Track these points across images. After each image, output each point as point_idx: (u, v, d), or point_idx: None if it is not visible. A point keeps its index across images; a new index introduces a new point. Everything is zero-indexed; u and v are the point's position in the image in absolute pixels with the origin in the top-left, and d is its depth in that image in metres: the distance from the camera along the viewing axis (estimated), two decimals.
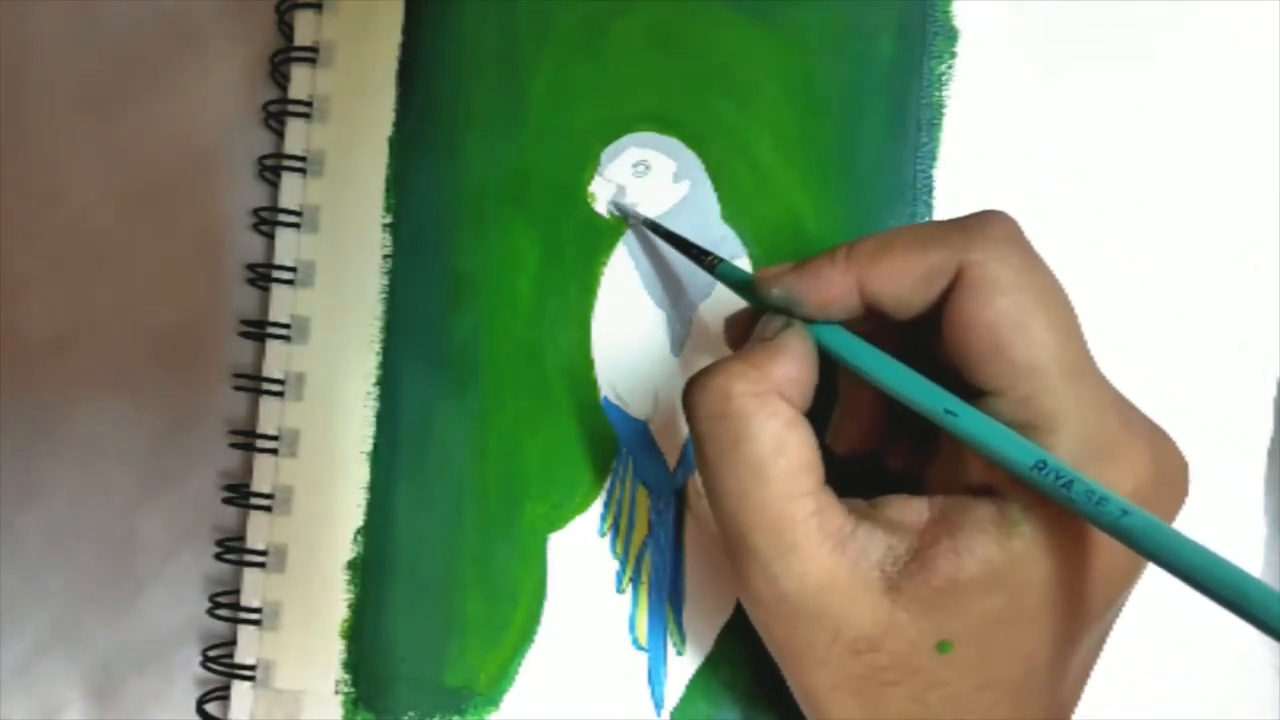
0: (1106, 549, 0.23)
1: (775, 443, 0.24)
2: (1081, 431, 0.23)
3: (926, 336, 0.25)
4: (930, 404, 0.23)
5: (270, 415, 0.33)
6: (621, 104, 0.33)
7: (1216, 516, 0.31)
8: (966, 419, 0.23)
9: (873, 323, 0.25)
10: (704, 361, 0.32)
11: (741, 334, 0.28)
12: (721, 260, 0.28)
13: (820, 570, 0.23)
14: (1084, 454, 0.23)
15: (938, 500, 0.24)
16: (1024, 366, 0.23)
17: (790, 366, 0.25)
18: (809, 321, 0.25)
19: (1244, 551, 0.31)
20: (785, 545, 0.23)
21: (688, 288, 0.33)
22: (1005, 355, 0.23)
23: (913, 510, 0.24)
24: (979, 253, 0.23)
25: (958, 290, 0.24)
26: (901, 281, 0.24)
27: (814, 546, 0.23)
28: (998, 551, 0.23)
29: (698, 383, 0.25)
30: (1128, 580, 0.24)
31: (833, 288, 0.25)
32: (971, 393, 0.24)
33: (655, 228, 0.31)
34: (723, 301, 0.32)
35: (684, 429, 0.32)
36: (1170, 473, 0.24)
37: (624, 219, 0.33)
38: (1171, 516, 0.24)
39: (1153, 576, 0.23)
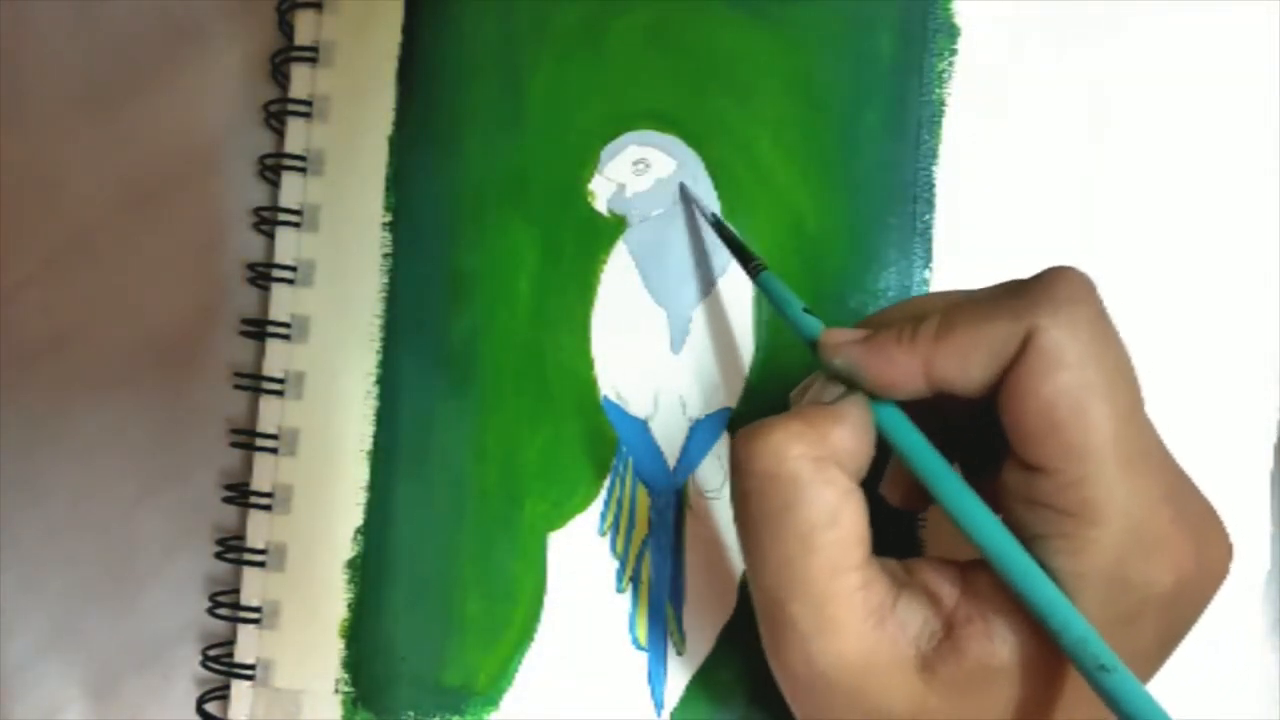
0: (1141, 632, 0.22)
1: (829, 513, 0.22)
2: (1127, 525, 0.22)
3: (993, 398, 0.24)
4: (974, 529, 0.22)
5: (270, 414, 0.33)
6: (621, 102, 0.33)
7: (1220, 516, 0.31)
8: (1010, 560, 0.22)
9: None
10: (703, 360, 0.32)
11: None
12: (764, 269, 0.28)
13: (859, 650, 0.22)
14: (1127, 548, 0.22)
15: (971, 570, 0.23)
16: (1077, 450, 0.21)
17: (849, 436, 0.23)
18: (870, 396, 0.24)
19: (1249, 552, 0.31)
20: (826, 621, 0.22)
21: (688, 286, 0.32)
22: (1059, 436, 0.21)
23: (947, 579, 0.23)
24: (1045, 317, 0.22)
25: (1021, 362, 0.22)
26: (968, 360, 0.22)
27: (856, 624, 0.22)
28: (1029, 638, 0.22)
29: (750, 437, 0.23)
30: (1159, 663, 0.23)
31: (897, 370, 0.23)
32: (1020, 465, 0.22)
33: (719, 223, 0.31)
34: (723, 301, 0.32)
35: (684, 428, 0.32)
36: (1213, 560, 0.23)
37: (622, 216, 0.33)
38: (1209, 600, 0.23)
39: None
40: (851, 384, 0.24)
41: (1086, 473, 0.21)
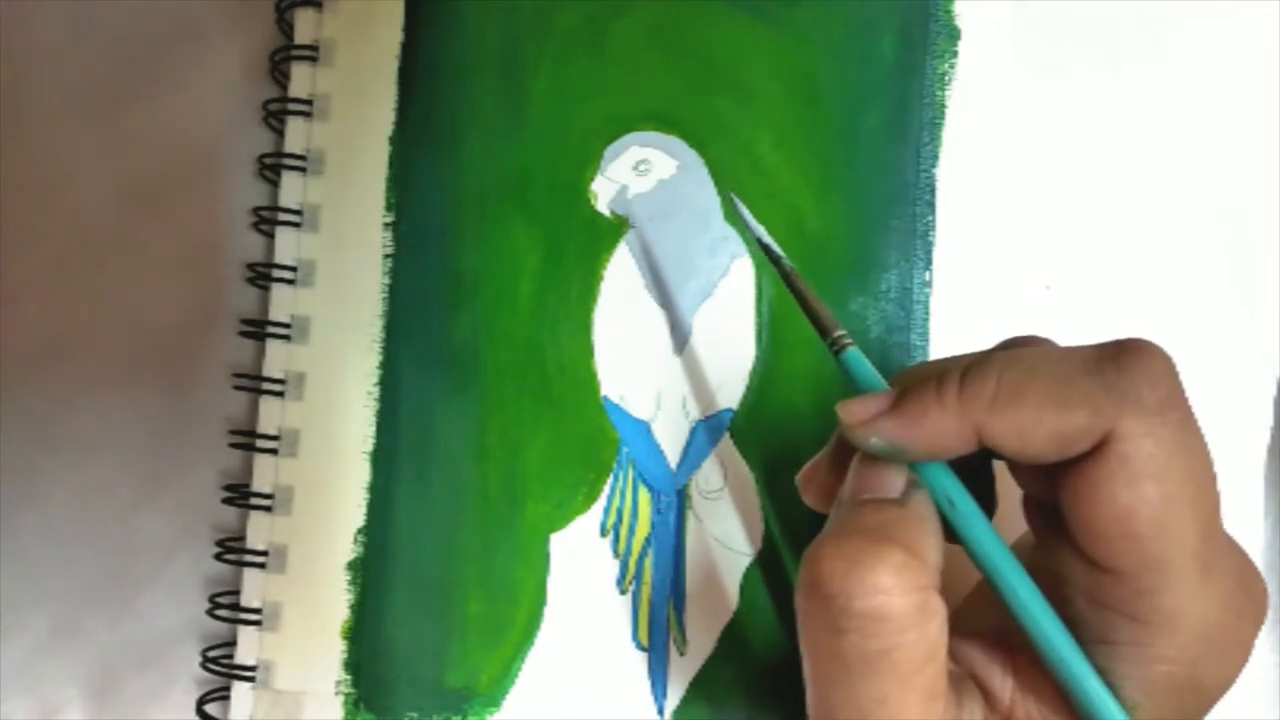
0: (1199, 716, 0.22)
1: (929, 651, 0.21)
2: (1202, 632, 0.21)
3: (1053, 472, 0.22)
4: (1041, 639, 0.21)
5: (270, 415, 0.33)
6: (623, 103, 0.33)
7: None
8: (1071, 668, 0.21)
9: None
10: (705, 361, 0.32)
11: (824, 490, 0.25)
12: (849, 346, 0.25)
13: None
14: (1200, 653, 0.21)
15: (1017, 654, 0.23)
16: (1155, 562, 0.20)
17: (939, 544, 0.21)
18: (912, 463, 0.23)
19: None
20: None
21: (689, 288, 0.32)
22: (1137, 545, 0.20)
23: (997, 666, 0.23)
24: (1131, 422, 0.20)
25: (1096, 462, 0.20)
26: (1028, 438, 0.21)
27: None
28: None
29: (847, 571, 0.20)
30: None
31: (944, 436, 0.21)
32: (1084, 559, 0.21)
33: (789, 277, 0.27)
34: (724, 302, 0.32)
35: (686, 429, 0.32)
36: (1260, 615, 0.22)
37: (624, 216, 0.33)
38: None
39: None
40: (894, 459, 0.22)
41: (1160, 583, 0.20)
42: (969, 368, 0.22)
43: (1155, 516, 0.20)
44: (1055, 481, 0.22)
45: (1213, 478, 0.21)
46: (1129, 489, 0.20)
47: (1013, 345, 0.25)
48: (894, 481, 0.22)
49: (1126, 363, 0.21)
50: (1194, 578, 0.20)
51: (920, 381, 0.22)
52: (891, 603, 0.20)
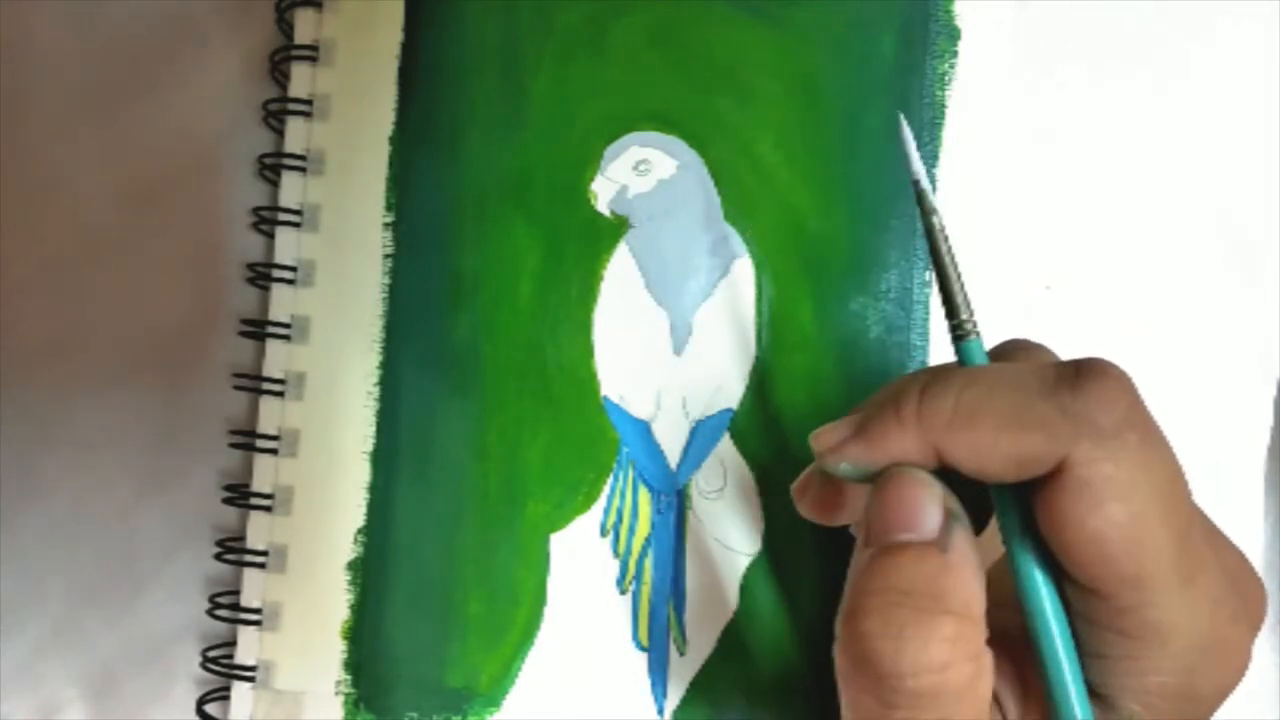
0: None
1: (980, 708, 0.20)
2: (1193, 640, 0.20)
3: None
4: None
5: (270, 415, 0.33)
6: (623, 103, 0.33)
7: (1216, 517, 0.31)
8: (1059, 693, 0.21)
9: None
10: (705, 361, 0.32)
11: (819, 502, 0.25)
12: (971, 335, 0.23)
13: None
14: (1194, 660, 0.21)
15: (1026, 674, 0.22)
16: (1132, 580, 0.20)
17: (982, 588, 0.20)
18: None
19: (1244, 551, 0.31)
20: None
21: (690, 288, 0.32)
22: (1112, 565, 0.20)
23: (1012, 697, 0.22)
24: (1087, 446, 0.20)
25: (1059, 485, 0.20)
26: (989, 460, 0.20)
27: None
28: None
29: (892, 650, 0.19)
30: None
31: (905, 456, 0.21)
32: (1071, 580, 0.21)
33: (938, 262, 0.24)
34: (725, 302, 0.32)
35: (686, 429, 0.32)
36: (1257, 618, 0.22)
37: (624, 216, 0.33)
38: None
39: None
40: (864, 482, 0.22)
41: (1146, 599, 0.20)
42: (926, 385, 0.21)
43: (1125, 536, 0.20)
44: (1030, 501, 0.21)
45: (1183, 488, 0.21)
46: (1093, 512, 0.20)
47: (1008, 349, 0.24)
48: (929, 516, 0.21)
49: (1082, 386, 0.20)
50: (1176, 590, 0.20)
51: (881, 402, 0.22)
52: (948, 679, 0.19)
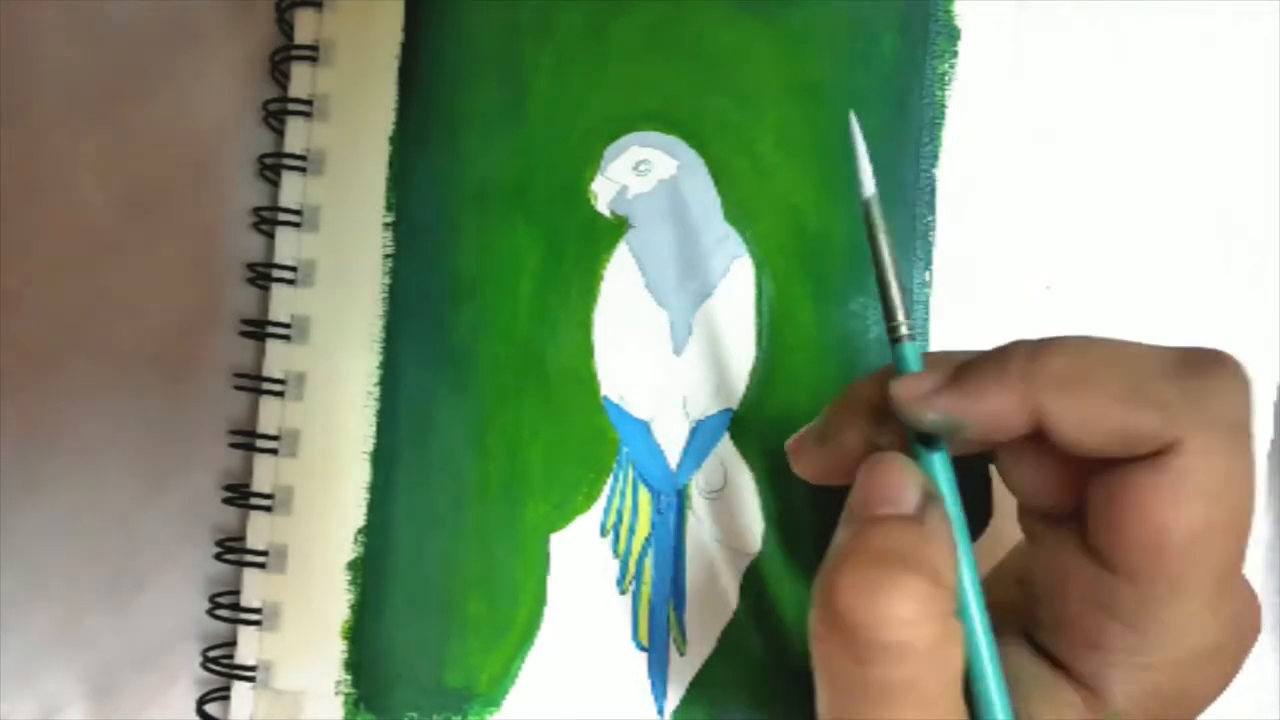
0: None
1: (952, 676, 0.20)
2: (1198, 651, 0.21)
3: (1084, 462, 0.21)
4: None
5: (270, 415, 0.33)
6: (623, 103, 0.33)
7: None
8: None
9: None
10: (705, 361, 0.32)
11: (811, 463, 0.25)
12: (907, 339, 0.23)
13: None
14: (1190, 665, 0.21)
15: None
16: (1173, 577, 0.20)
17: (955, 562, 0.20)
18: (955, 444, 0.22)
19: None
20: None
21: (690, 288, 0.32)
22: (1162, 559, 0.19)
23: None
24: (1200, 437, 0.19)
25: (1152, 468, 0.19)
26: (1094, 431, 0.20)
27: None
28: None
29: (870, 601, 0.19)
30: None
31: (1003, 415, 0.20)
32: (1092, 555, 0.21)
33: (877, 259, 0.24)
34: (724, 302, 0.32)
35: (686, 429, 0.32)
36: (1253, 631, 0.22)
37: (624, 217, 0.33)
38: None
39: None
40: (932, 439, 0.22)
41: (1175, 600, 0.20)
42: (1038, 345, 0.20)
43: (1190, 536, 0.19)
44: (1078, 479, 0.21)
45: (1252, 511, 0.20)
46: (1176, 504, 0.19)
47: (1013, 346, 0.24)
48: (909, 493, 0.21)
49: (1211, 372, 0.20)
50: (1206, 601, 0.20)
51: (979, 359, 0.21)
52: (916, 634, 0.19)
